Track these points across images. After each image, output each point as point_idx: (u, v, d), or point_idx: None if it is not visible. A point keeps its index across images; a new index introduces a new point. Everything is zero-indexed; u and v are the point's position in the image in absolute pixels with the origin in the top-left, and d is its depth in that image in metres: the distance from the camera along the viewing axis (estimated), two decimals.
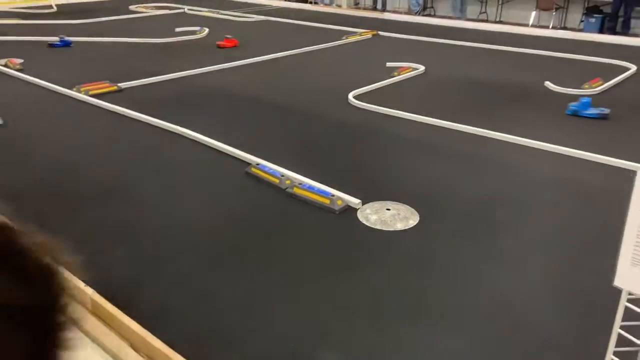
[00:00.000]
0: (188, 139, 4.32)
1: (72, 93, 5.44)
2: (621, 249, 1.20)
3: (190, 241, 2.93)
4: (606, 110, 4.96)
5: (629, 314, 1.38)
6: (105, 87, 5.60)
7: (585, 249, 2.88)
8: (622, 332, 1.31)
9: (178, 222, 3.12)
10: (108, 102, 5.15)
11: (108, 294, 2.32)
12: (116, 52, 7.57)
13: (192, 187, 3.58)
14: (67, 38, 7.75)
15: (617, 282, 1.24)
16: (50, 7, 11.38)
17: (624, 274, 1.20)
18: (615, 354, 1.42)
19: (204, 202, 3.37)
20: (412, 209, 3.24)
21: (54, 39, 7.76)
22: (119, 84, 5.70)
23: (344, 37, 8.73)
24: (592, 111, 4.94)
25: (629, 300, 1.25)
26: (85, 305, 2.27)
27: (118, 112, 4.94)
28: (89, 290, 2.29)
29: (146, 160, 4.00)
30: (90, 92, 5.41)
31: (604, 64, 7.17)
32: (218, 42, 7.99)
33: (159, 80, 6.01)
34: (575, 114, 4.98)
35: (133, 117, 4.81)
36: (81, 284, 2.33)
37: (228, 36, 8.03)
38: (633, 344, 1.31)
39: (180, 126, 4.46)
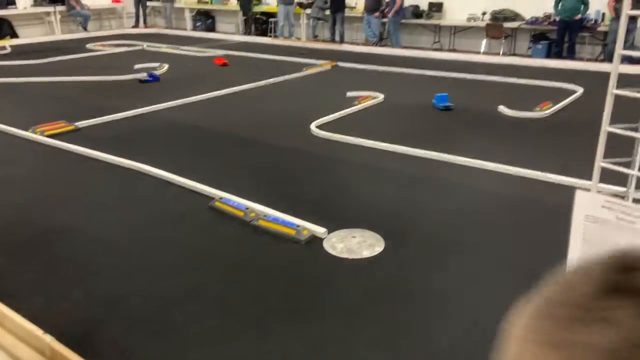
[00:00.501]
0: (148, 176, 4.27)
1: (26, 134, 5.32)
2: (567, 266, 1.24)
3: (150, 280, 2.86)
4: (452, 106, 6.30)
5: None
6: (62, 126, 5.50)
7: (546, 265, 2.95)
8: None
9: (137, 261, 3.06)
10: (65, 142, 5.05)
11: (67, 340, 2.23)
12: (73, 91, 7.47)
13: (152, 224, 3.52)
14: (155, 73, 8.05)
15: None
16: (3, 48, 11.17)
17: None
18: None
19: (164, 239, 3.32)
20: (378, 236, 3.26)
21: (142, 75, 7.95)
22: (76, 123, 5.61)
23: (304, 69, 8.88)
24: (446, 104, 6.31)
25: None
26: (44, 353, 2.18)
27: (75, 151, 4.84)
28: (48, 338, 2.21)
29: (104, 199, 3.92)
30: (46, 133, 5.30)
31: (553, 87, 7.50)
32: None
33: (117, 117, 5.95)
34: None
35: (90, 156, 4.72)
36: (39, 331, 2.25)
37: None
38: None
39: (140, 163, 4.41)
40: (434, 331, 2.44)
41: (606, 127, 1.17)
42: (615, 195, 1.20)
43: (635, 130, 1.25)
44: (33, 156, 4.87)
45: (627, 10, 1.21)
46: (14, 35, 12.99)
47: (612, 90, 1.26)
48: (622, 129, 1.27)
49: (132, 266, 3.00)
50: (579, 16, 9.60)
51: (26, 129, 5.39)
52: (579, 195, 1.14)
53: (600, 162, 1.22)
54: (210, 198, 3.78)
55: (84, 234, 3.37)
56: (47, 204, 3.82)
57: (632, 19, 8.91)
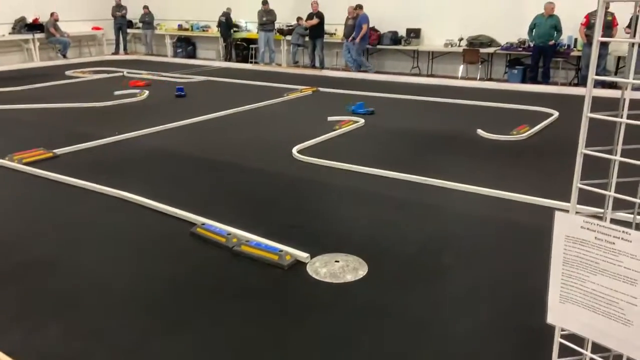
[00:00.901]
0: (129, 203, 4.22)
1: (3, 162, 5.23)
2: (550, 287, 1.26)
3: (131, 312, 2.80)
4: (371, 109, 7.32)
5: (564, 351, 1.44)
6: (40, 154, 5.43)
7: (528, 287, 2.98)
8: None
9: (117, 292, 2.99)
10: (43, 169, 4.98)
11: None
12: (52, 118, 7.40)
13: (133, 252, 3.47)
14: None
15: (550, 319, 1.29)
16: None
17: (555, 310, 1.26)
18: None
19: (145, 268, 3.26)
20: (361, 260, 3.26)
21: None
22: (55, 151, 5.54)
23: (285, 94, 8.95)
24: (364, 109, 7.24)
25: (562, 337, 1.30)
26: None
27: (53, 179, 4.77)
28: None
29: (83, 227, 3.85)
30: (24, 160, 5.23)
31: (529, 110, 7.68)
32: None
33: (97, 144, 5.90)
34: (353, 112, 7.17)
35: (69, 183, 4.66)
36: None
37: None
38: None
39: (120, 190, 4.37)
40: (417, 356, 2.42)
41: (582, 150, 1.20)
42: (594, 215, 1.22)
43: (610, 152, 1.28)
44: (10, 184, 4.79)
45: (598, 37, 1.25)
46: None
47: (587, 113, 1.30)
48: (597, 151, 1.30)
49: (112, 297, 2.94)
50: (553, 42, 9.90)
51: (3, 157, 5.31)
52: (558, 217, 1.16)
53: (577, 184, 1.24)
54: (192, 224, 3.75)
55: (62, 264, 3.30)
56: (24, 234, 3.74)
57: (603, 45, 9.23)
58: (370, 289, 2.98)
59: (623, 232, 1.08)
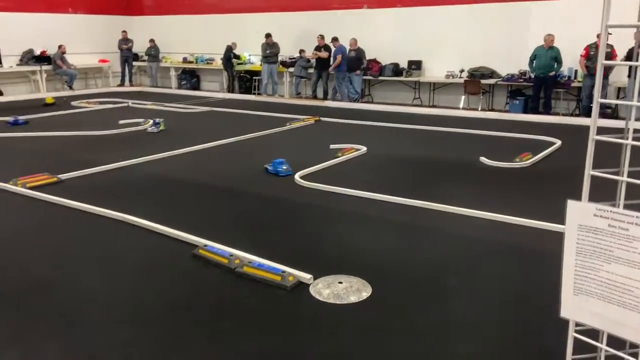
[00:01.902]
0: (131, 226, 4.20)
1: (7, 186, 5.24)
2: (563, 279, 1.23)
3: (131, 333, 2.75)
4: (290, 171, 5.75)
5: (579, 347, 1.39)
6: (44, 178, 5.44)
7: (533, 310, 2.92)
8: None
9: (118, 312, 2.95)
10: (46, 193, 4.98)
11: None
12: (57, 145, 7.45)
13: (135, 274, 3.43)
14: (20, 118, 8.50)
15: (563, 313, 1.25)
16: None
17: (568, 304, 1.22)
18: None
19: (146, 289, 3.22)
20: (364, 281, 3.21)
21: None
22: (59, 176, 5.55)
23: (288, 123, 9.02)
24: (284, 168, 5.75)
25: (577, 332, 1.26)
26: None
27: (57, 202, 4.77)
28: None
29: (85, 249, 3.82)
30: (28, 185, 5.23)
31: (532, 139, 7.71)
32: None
33: (101, 170, 5.92)
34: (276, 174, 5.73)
35: (72, 206, 4.65)
36: None
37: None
38: None
39: (123, 213, 4.35)
40: None
41: (593, 136, 1.20)
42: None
43: (617, 174, 1.28)
44: (13, 208, 4.78)
45: (602, 60, 1.26)
46: None
47: (593, 136, 1.30)
48: (604, 172, 1.30)
49: (113, 318, 2.89)
50: (553, 73, 10.02)
51: (7, 182, 5.32)
52: (570, 206, 1.14)
53: (589, 172, 1.23)
54: (194, 246, 3.72)
55: (62, 285, 3.26)
56: (25, 255, 3.71)
57: (604, 76, 9.34)
58: (374, 311, 2.92)
59: (637, 217, 1.06)
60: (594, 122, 1.28)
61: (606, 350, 1.27)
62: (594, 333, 1.28)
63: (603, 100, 1.37)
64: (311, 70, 12.81)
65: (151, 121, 8.68)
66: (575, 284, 1.20)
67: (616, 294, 1.13)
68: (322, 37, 12.33)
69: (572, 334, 1.27)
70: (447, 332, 2.71)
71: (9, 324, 2.81)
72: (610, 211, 1.10)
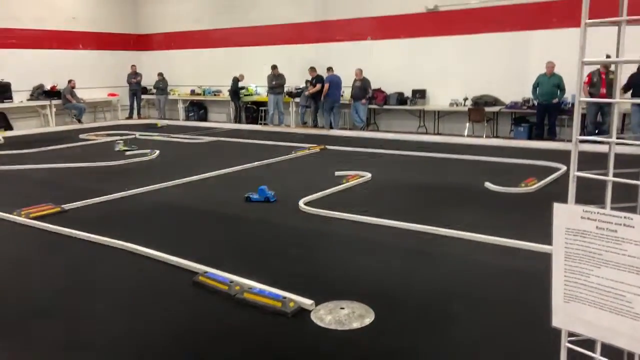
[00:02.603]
0: (132, 254, 4.18)
1: (11, 217, 5.25)
2: (552, 286, 1.19)
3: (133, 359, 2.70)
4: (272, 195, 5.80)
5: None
6: (48, 209, 5.45)
7: (541, 334, 2.84)
8: None
9: (119, 339, 2.90)
10: (49, 223, 4.98)
11: None
12: (63, 176, 7.51)
13: (136, 301, 3.39)
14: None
15: (555, 322, 1.20)
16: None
17: (559, 312, 1.17)
18: None
19: (147, 316, 3.17)
20: (367, 307, 3.15)
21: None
22: (63, 206, 5.57)
23: (293, 152, 9.06)
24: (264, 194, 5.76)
25: (570, 342, 1.20)
26: None
27: (59, 232, 4.76)
28: None
29: (87, 277, 3.80)
30: (32, 215, 5.25)
31: (537, 165, 7.66)
32: None
33: (104, 200, 5.93)
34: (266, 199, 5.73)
35: (74, 236, 4.64)
36: None
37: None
38: None
39: (124, 241, 4.33)
40: None
41: (575, 173, 1.17)
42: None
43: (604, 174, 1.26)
44: (16, 237, 4.78)
45: (579, 97, 1.25)
46: (9, 127, 13.28)
47: (576, 137, 1.28)
48: (590, 174, 1.28)
49: (114, 344, 2.84)
50: (556, 100, 10.03)
51: (11, 212, 5.34)
52: (557, 208, 1.11)
53: (574, 173, 1.20)
54: (195, 273, 3.68)
55: (64, 313, 3.22)
56: (28, 284, 3.68)
57: (608, 104, 9.33)
58: (377, 337, 2.85)
59: (625, 217, 1.03)
60: (574, 156, 1.26)
61: None
62: (589, 343, 1.23)
63: (583, 138, 1.37)
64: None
65: (157, 152, 8.77)
66: (566, 290, 1.15)
67: (608, 299, 1.08)
68: (312, 69, 12.61)
69: (565, 344, 1.22)
70: (451, 358, 2.63)
71: (10, 348, 2.77)
72: (598, 213, 1.07)
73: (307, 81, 13.06)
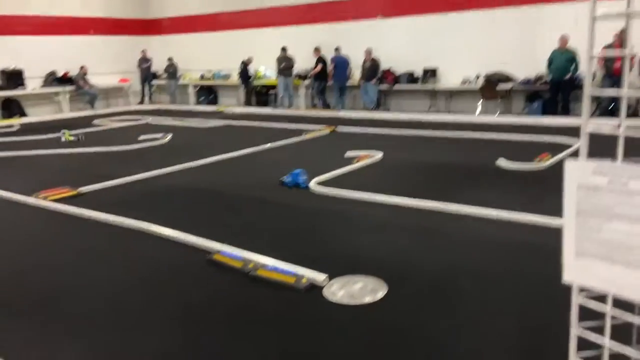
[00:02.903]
0: (148, 234, 4.24)
1: (29, 200, 5.36)
2: (564, 243, 1.20)
3: (149, 334, 2.76)
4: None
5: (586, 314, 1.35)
6: (65, 192, 5.55)
7: (554, 310, 2.85)
8: (581, 335, 1.27)
9: (135, 315, 2.97)
10: (67, 205, 5.07)
11: None
12: (78, 161, 7.61)
13: (150, 280, 3.45)
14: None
15: (566, 277, 1.22)
16: (11, 126, 11.52)
17: (571, 267, 1.19)
18: None
19: (162, 294, 3.24)
20: (380, 281, 3.18)
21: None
22: (80, 189, 5.66)
23: (303, 134, 9.06)
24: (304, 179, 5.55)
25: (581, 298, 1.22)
26: None
27: (76, 214, 4.85)
28: None
29: (103, 257, 3.87)
30: (49, 198, 5.34)
31: (551, 142, 7.59)
32: None
33: (120, 182, 6.01)
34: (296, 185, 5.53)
35: (91, 217, 4.73)
36: None
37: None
38: (594, 346, 1.26)
39: (139, 222, 4.41)
40: None
41: (587, 129, 1.17)
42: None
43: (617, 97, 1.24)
44: (35, 220, 4.88)
45: (591, 53, 1.24)
46: (23, 114, 13.44)
47: (588, 93, 1.27)
48: (602, 125, 1.27)
49: (130, 320, 2.91)
50: (569, 75, 9.88)
51: (29, 195, 5.44)
52: (568, 165, 1.12)
53: (586, 124, 1.20)
54: (209, 252, 3.73)
55: (83, 291, 3.30)
56: (48, 263, 3.77)
57: (618, 76, 9.18)
58: (389, 311, 2.89)
59: (637, 169, 1.03)
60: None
61: (613, 316, 1.22)
62: (600, 300, 1.24)
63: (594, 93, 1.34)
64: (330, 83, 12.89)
65: (170, 136, 8.83)
66: (577, 245, 1.16)
67: (619, 253, 1.09)
68: (317, 49, 12.54)
69: (575, 300, 1.23)
70: (464, 332, 2.66)
71: (34, 325, 2.86)
72: (610, 167, 1.07)
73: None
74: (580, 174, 1.10)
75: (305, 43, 13.30)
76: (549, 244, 3.73)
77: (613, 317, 1.21)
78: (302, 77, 13.45)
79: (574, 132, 8.09)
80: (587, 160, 1.13)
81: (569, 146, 7.13)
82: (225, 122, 11.36)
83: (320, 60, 12.49)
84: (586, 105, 1.18)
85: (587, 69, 1.18)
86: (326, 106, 12.67)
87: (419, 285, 3.19)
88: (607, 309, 1.22)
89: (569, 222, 1.18)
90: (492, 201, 4.68)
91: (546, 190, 5.11)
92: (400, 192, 5.06)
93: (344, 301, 2.98)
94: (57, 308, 3.08)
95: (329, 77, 12.41)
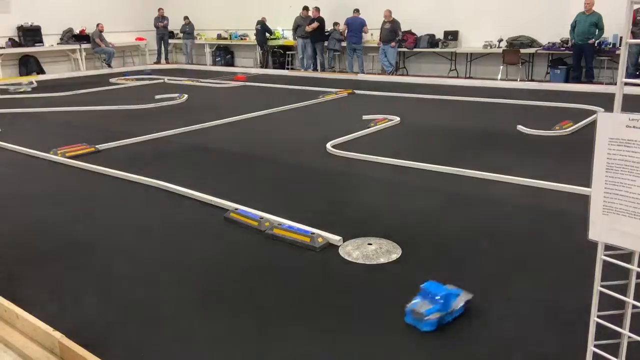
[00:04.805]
0: (166, 192, 4.28)
1: (48, 156, 5.42)
2: (591, 199, 1.17)
3: (166, 286, 2.81)
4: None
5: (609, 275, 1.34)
6: (82, 149, 5.59)
7: (569, 271, 2.84)
8: (604, 290, 1.25)
9: (153, 269, 3.02)
10: (85, 162, 5.12)
11: (78, 338, 2.19)
12: (96, 119, 7.64)
13: (168, 235, 3.50)
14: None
15: (592, 235, 1.20)
16: (30, 83, 11.56)
17: (597, 225, 1.16)
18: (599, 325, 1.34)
19: (180, 248, 3.28)
20: (394, 243, 3.19)
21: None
22: (97, 146, 5.70)
23: (320, 96, 8.97)
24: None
25: (607, 256, 1.20)
26: (53, 350, 2.14)
27: (94, 170, 4.90)
28: (57, 334, 2.16)
29: (121, 212, 3.92)
30: (67, 154, 5.40)
31: (573, 108, 7.43)
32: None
33: (137, 140, 6.04)
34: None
35: (109, 174, 4.78)
36: (49, 328, 2.21)
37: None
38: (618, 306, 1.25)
39: (156, 179, 4.44)
40: (450, 338, 2.33)
41: (622, 80, 1.12)
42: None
43: None
44: (54, 175, 4.94)
45: (626, 39, 1.17)
46: (41, 71, 13.46)
47: (626, 40, 1.21)
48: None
49: (148, 273, 2.97)
50: (593, 40, 9.56)
51: (48, 152, 5.50)
52: (601, 118, 1.08)
53: (622, 79, 1.15)
54: (226, 210, 3.76)
55: (100, 244, 3.36)
56: (65, 218, 3.84)
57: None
58: (403, 271, 2.90)
59: None
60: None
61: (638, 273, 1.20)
62: (625, 258, 1.22)
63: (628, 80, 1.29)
64: (344, 44, 12.65)
65: (186, 96, 8.80)
66: (605, 202, 1.14)
67: None
68: (317, 9, 12.41)
69: (600, 257, 1.21)
70: (478, 292, 2.66)
71: (49, 278, 2.92)
72: None
73: (334, 24, 12.76)
74: (612, 127, 1.06)
75: (324, 3, 12.99)
76: (567, 209, 3.69)
77: (639, 276, 1.20)
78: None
79: (598, 98, 7.91)
80: (622, 112, 1.09)
81: (591, 113, 6.97)
82: (241, 83, 11.27)
83: (320, 19, 12.41)
84: (623, 53, 1.13)
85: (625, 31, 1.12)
86: (320, 69, 12.66)
87: (433, 247, 3.19)
88: (633, 267, 1.19)
89: (598, 178, 1.15)
90: (510, 167, 4.62)
91: (565, 157, 5.03)
92: (417, 156, 5.01)
93: (359, 261, 3.00)
94: (75, 259, 3.14)
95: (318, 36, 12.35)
